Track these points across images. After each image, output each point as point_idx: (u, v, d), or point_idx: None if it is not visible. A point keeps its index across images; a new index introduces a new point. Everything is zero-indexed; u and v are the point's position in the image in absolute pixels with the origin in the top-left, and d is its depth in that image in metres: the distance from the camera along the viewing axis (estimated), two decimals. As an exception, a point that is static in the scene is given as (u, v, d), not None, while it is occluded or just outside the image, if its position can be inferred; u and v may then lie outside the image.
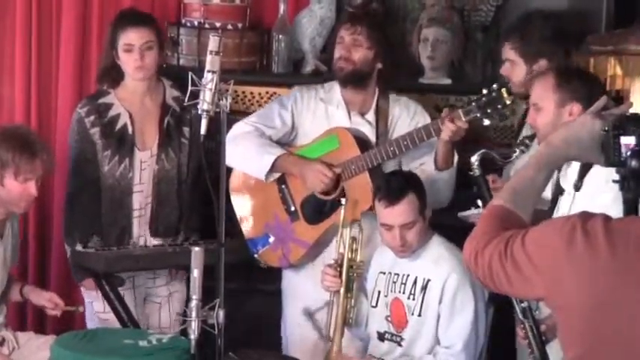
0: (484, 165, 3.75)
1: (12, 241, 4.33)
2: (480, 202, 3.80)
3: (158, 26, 4.62)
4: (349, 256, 4.22)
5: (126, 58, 4.47)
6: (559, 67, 3.88)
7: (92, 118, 4.49)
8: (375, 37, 4.41)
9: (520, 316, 3.67)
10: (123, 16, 4.61)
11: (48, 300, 4.28)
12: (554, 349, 3.56)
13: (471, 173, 3.76)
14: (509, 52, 4.33)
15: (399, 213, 4.03)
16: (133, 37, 4.45)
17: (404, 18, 5.37)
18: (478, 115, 4.16)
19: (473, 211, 3.98)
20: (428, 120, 4.43)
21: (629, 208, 2.35)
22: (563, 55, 4.40)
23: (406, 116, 4.48)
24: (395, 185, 4.09)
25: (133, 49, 4.44)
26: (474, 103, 4.18)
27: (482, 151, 3.77)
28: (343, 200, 4.27)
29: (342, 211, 4.25)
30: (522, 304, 3.64)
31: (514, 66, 4.33)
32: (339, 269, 4.23)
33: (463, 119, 4.16)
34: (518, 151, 3.78)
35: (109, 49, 4.53)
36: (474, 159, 3.75)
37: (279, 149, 4.45)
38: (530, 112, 3.82)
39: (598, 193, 3.48)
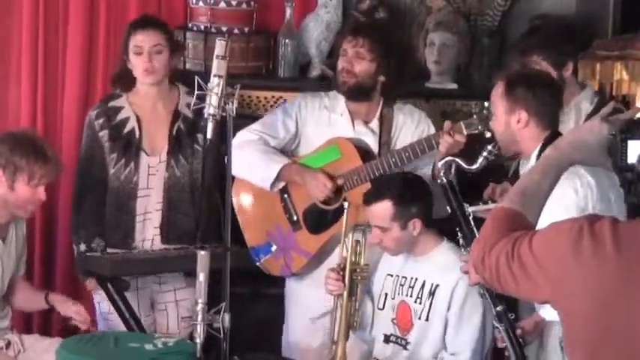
0: (449, 173, 3.75)
1: (17, 249, 4.32)
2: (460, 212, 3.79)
3: (169, 31, 4.64)
4: (352, 259, 4.22)
5: (135, 61, 4.48)
6: (509, 75, 3.84)
7: (101, 120, 4.52)
8: (377, 50, 4.35)
9: (495, 320, 3.67)
10: (135, 20, 4.66)
11: (76, 312, 4.26)
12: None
13: (438, 181, 3.77)
14: (538, 64, 4.24)
15: (371, 214, 4.09)
16: (141, 40, 4.48)
17: (410, 22, 5.37)
18: (480, 127, 4.14)
19: (481, 206, 3.98)
20: (432, 127, 4.42)
21: (634, 212, 2.35)
22: (577, 53, 4.42)
23: (410, 124, 4.45)
24: (375, 186, 4.16)
25: (143, 51, 4.46)
26: (475, 116, 4.17)
27: (447, 158, 3.78)
28: (346, 204, 4.26)
29: (345, 214, 4.24)
30: (497, 308, 3.64)
31: None
32: (341, 273, 4.22)
33: (464, 132, 4.14)
34: (481, 158, 3.77)
35: (122, 53, 4.55)
36: (440, 166, 3.76)
37: (283, 158, 4.43)
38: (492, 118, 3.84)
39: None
